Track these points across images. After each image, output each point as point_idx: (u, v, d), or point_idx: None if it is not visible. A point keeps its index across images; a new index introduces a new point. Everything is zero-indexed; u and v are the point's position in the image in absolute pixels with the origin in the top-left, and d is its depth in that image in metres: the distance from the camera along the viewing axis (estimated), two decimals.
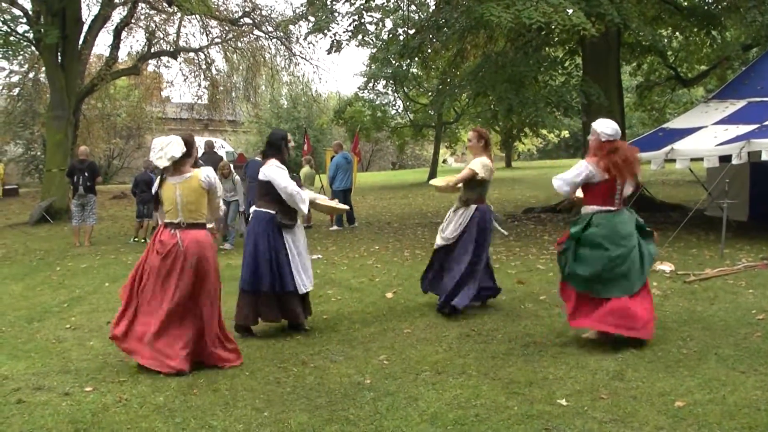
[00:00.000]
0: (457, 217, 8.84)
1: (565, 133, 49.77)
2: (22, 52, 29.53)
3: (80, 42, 26.38)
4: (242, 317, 8.05)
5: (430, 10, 19.71)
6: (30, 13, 25.33)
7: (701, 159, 13.98)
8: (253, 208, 8.26)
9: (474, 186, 8.77)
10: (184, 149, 6.84)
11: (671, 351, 6.77)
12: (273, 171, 7.98)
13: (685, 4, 20.73)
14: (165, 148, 6.78)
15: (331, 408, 5.65)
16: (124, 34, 31.27)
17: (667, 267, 11.11)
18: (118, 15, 30.39)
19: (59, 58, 25.06)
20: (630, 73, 27.47)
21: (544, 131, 42.66)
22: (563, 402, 5.56)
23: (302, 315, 8.21)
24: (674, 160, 14.20)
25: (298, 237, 8.17)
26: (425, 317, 8.65)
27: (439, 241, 9.03)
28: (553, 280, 10.68)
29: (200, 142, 22.08)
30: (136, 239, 17.74)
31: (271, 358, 7.12)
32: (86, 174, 16.90)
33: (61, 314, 9.67)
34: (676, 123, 16.78)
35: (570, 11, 14.64)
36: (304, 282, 8.08)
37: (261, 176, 8.07)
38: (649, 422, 5.12)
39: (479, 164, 8.69)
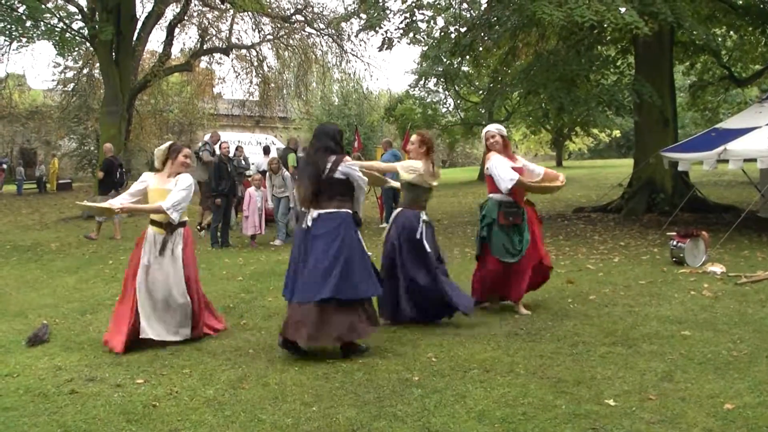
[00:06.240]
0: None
1: (617, 133, 49.33)
2: (76, 49, 29.93)
3: (134, 38, 26.73)
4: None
5: (482, 8, 19.62)
6: (85, 9, 25.71)
7: (755, 160, 13.86)
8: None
9: (407, 188, 8.51)
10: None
11: (721, 353, 6.72)
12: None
13: (740, 2, 20.49)
14: None
15: (380, 404, 5.68)
16: (177, 30, 31.68)
17: (718, 268, 11.00)
18: (171, 12, 30.82)
19: (113, 54, 25.38)
20: (683, 72, 27.28)
21: (595, 130, 42.36)
22: (611, 402, 5.54)
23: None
24: (727, 161, 14.07)
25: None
26: (473, 315, 8.63)
27: None
28: (602, 279, 10.65)
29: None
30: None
31: (320, 353, 7.14)
32: (123, 169, 17.21)
33: (114, 307, 9.76)
34: (730, 123, 16.61)
35: (623, 10, 14.56)
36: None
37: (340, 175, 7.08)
38: (698, 424, 5.09)
39: (403, 165, 8.56)
